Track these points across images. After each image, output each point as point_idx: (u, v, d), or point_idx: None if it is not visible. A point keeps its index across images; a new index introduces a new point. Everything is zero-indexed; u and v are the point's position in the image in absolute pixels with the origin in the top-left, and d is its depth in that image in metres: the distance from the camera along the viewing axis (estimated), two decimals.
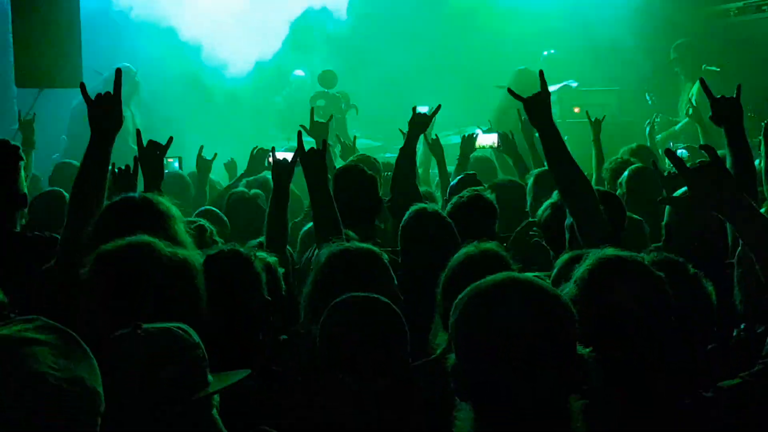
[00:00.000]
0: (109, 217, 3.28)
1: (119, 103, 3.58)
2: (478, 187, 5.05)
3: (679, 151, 7.90)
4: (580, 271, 2.61)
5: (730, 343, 3.24)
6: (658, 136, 9.80)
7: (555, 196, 4.32)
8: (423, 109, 5.81)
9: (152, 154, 4.27)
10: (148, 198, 3.37)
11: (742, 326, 3.22)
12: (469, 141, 7.44)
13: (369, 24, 12.27)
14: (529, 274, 2.29)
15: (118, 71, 3.61)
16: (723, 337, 3.22)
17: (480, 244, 3.47)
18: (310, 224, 5.45)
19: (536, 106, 3.98)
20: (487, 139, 7.77)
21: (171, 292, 2.73)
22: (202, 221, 4.53)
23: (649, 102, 11.24)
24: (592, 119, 7.42)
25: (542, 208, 4.52)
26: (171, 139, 4.35)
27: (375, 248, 3.61)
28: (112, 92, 3.59)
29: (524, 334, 1.90)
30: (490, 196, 4.83)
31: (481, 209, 4.68)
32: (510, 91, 4.31)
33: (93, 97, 3.60)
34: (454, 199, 4.86)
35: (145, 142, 4.28)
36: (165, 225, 3.23)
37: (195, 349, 2.33)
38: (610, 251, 2.64)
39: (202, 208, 5.80)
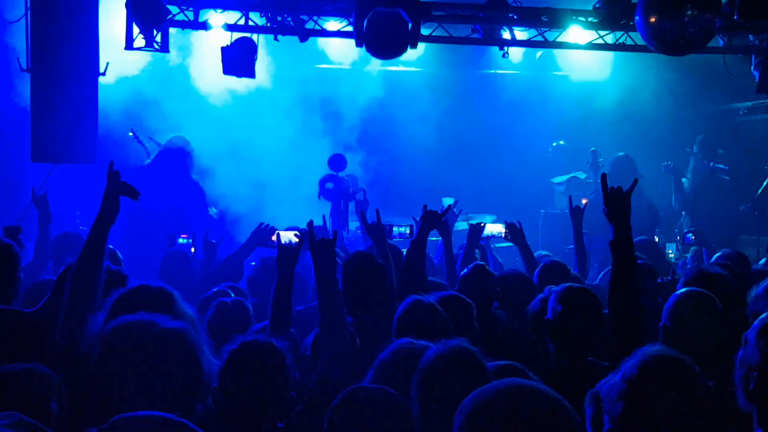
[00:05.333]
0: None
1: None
2: None
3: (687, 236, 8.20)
4: (628, 365, 2.61)
5: None
6: None
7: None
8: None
9: None
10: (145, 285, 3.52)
11: None
12: (476, 230, 7.30)
13: (384, 106, 12.41)
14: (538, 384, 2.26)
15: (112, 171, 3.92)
16: None
17: (448, 342, 3.25)
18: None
19: (619, 204, 4.19)
20: (494, 228, 7.76)
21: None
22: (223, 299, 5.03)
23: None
24: (573, 206, 7.37)
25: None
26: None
27: None
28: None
29: None
30: None
31: (456, 304, 4.59)
32: (603, 179, 4.38)
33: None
34: (440, 294, 4.74)
35: None
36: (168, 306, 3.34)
37: None
38: (658, 349, 2.67)
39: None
